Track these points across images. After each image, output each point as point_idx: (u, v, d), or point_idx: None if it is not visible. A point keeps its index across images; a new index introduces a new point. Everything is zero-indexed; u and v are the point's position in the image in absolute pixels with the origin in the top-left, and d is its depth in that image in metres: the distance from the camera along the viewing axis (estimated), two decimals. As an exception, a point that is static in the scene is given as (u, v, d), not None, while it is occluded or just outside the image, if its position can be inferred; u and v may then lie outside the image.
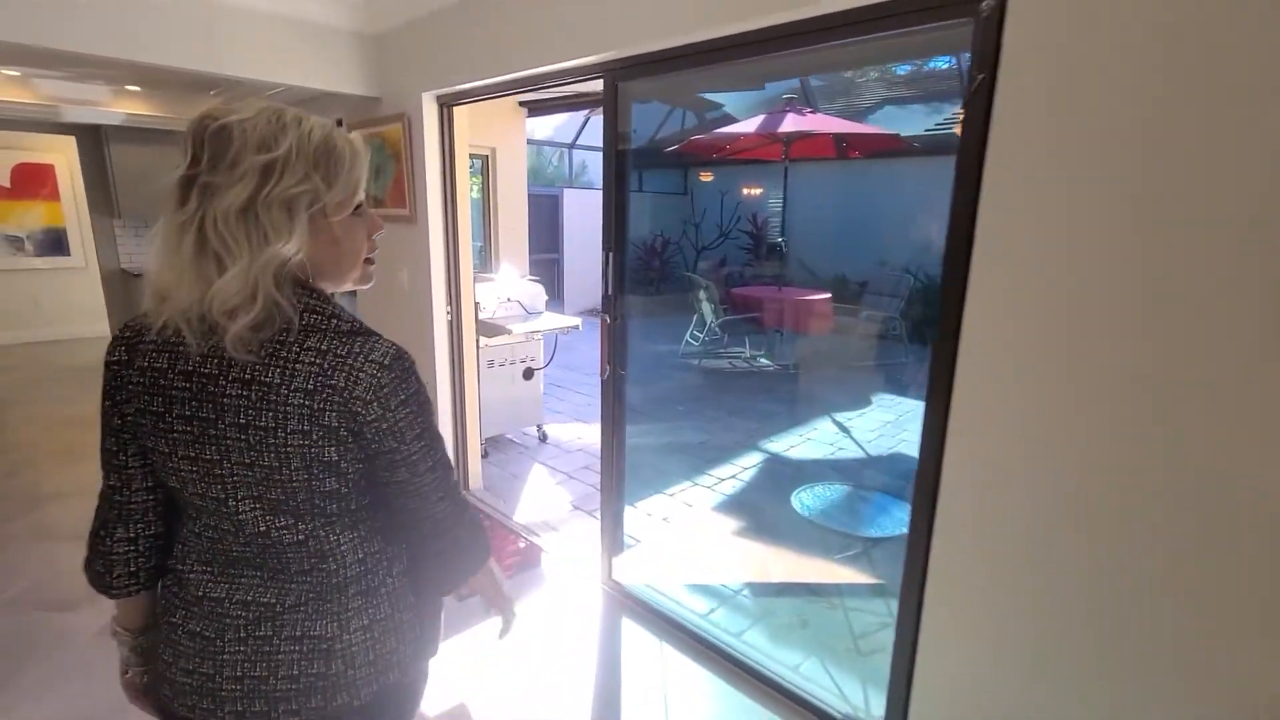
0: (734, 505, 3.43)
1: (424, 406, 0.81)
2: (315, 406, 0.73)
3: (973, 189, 1.35)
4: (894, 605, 1.66)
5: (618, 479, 2.48)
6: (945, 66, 8.17)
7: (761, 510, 3.38)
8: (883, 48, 1.62)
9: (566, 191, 9.37)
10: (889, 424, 4.78)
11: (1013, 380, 1.35)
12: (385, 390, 0.76)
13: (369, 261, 0.88)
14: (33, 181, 6.61)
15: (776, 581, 2.71)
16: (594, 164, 12.20)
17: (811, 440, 4.42)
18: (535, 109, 5.72)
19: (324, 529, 0.79)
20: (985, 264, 1.36)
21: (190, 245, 0.70)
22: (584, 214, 9.57)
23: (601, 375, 2.39)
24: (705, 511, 3.35)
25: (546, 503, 3.42)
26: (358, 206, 0.81)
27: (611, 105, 2.17)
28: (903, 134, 5.96)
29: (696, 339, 7.07)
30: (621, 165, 2.21)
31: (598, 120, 10.17)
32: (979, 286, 1.37)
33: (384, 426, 0.77)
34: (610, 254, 2.27)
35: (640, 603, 2.44)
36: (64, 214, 6.75)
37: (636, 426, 4.37)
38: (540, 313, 4.09)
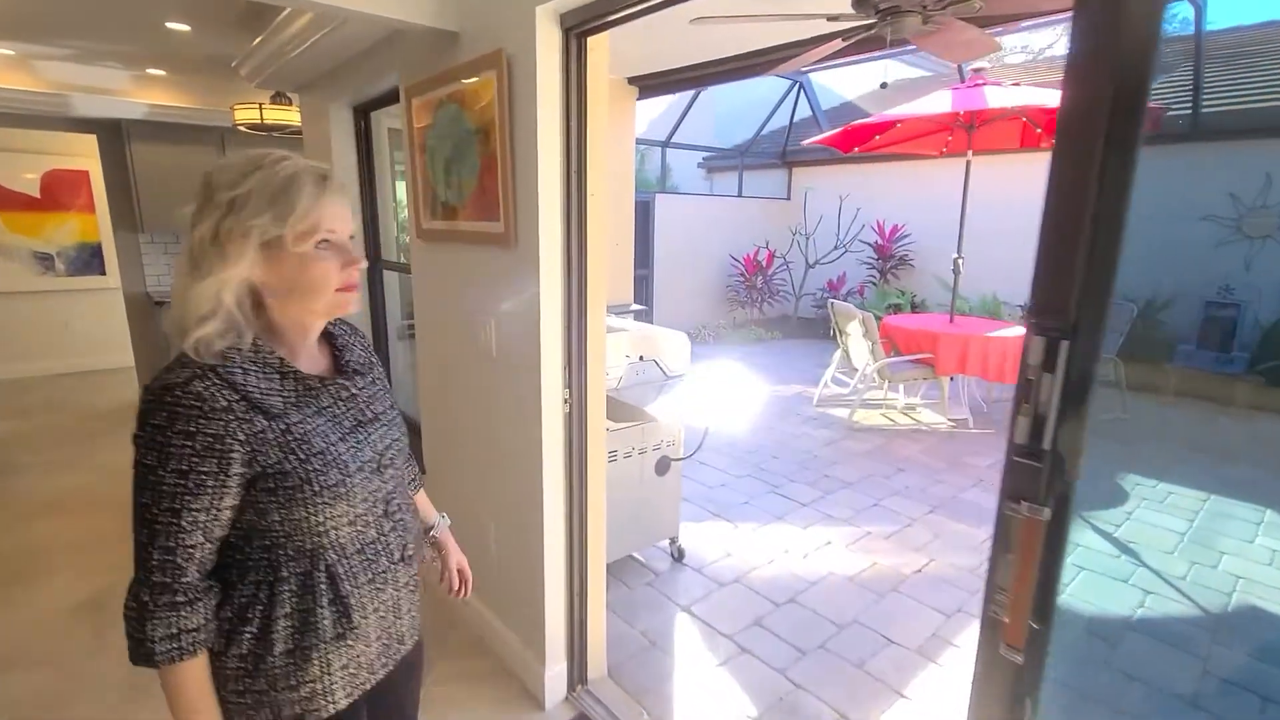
0: None
1: (142, 457, 0.82)
2: None
3: None
4: None
5: None
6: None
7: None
8: None
9: (659, 197, 8.04)
10: (1176, 531, 3.15)
11: None
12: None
13: (346, 290, 0.91)
14: (66, 191, 5.77)
15: None
16: (681, 167, 10.85)
17: (1070, 567, 2.86)
18: (650, 88, 4.39)
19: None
20: None
21: (185, 266, 0.85)
22: (677, 223, 8.21)
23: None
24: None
25: (716, 711, 2.03)
26: (324, 241, 0.87)
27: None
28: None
29: (844, 383, 5.56)
30: (1127, 124, 0.78)
31: (695, 116, 8.83)
32: None
33: None
34: (1070, 338, 0.85)
35: None
36: (99, 227, 5.89)
37: (779, 518, 2.93)
38: (681, 375, 2.71)
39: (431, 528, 1.31)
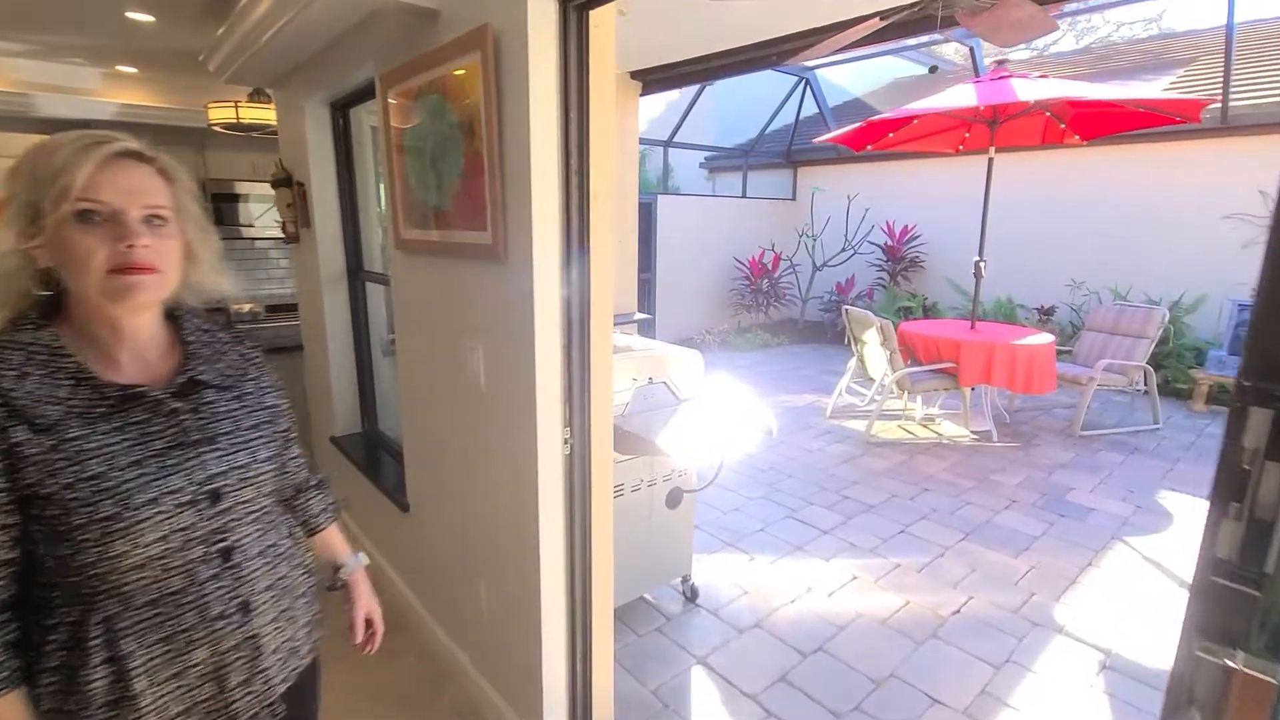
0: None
1: None
2: None
3: None
4: None
5: None
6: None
7: None
8: None
9: (661, 199, 7.76)
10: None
11: None
12: None
13: (118, 273, 0.78)
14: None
15: None
16: (683, 167, 10.59)
17: (1113, 606, 2.59)
18: (655, 82, 4.12)
19: None
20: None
21: None
22: (679, 225, 7.94)
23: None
24: None
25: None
26: (85, 213, 0.77)
27: None
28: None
29: (860, 394, 5.28)
30: None
31: (696, 114, 8.55)
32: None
33: None
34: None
35: None
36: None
37: (799, 548, 2.65)
38: (693, 398, 2.44)
39: (340, 568, 1.13)
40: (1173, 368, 5.67)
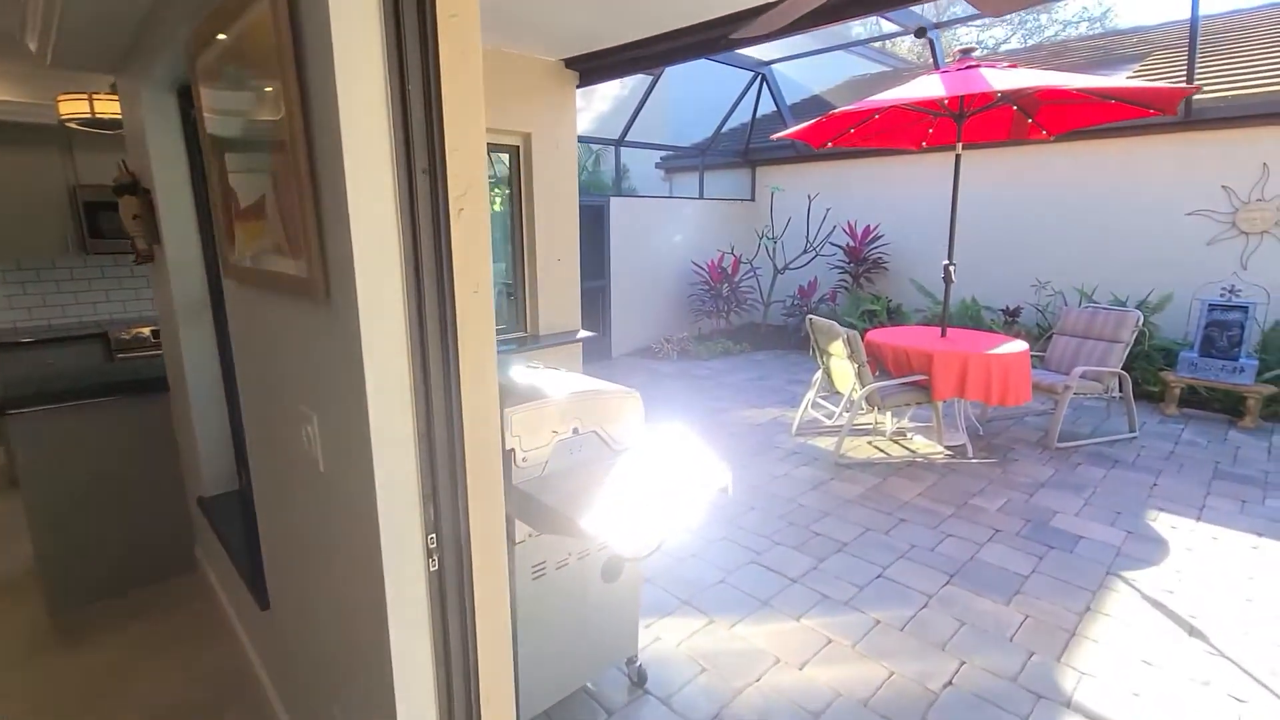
0: None
1: None
2: None
3: None
4: None
5: None
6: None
7: None
8: None
9: (614, 201, 7.32)
10: (1243, 596, 2.58)
11: None
12: None
13: None
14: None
15: None
16: (638, 167, 10.17)
17: (1122, 665, 2.26)
18: (593, 71, 3.67)
19: None
20: None
21: None
22: (634, 228, 7.51)
23: None
24: None
25: None
26: None
27: None
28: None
29: (827, 410, 4.92)
30: None
31: (650, 113, 8.12)
32: None
33: None
34: None
35: None
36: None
37: (765, 603, 2.24)
38: (632, 447, 2.00)
39: None
40: (1142, 369, 5.48)
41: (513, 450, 1.69)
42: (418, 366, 1.03)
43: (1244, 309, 4.96)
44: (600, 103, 10.70)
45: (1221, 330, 5.02)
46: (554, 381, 1.95)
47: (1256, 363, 4.88)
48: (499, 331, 3.81)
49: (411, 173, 0.97)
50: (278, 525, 1.66)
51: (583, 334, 3.97)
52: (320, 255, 1.01)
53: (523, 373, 2.02)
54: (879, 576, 2.87)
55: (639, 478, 1.82)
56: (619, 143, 7.95)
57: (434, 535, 1.10)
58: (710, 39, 2.89)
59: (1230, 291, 5.23)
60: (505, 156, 3.64)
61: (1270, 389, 4.79)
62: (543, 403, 1.75)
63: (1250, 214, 5.51)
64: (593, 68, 3.64)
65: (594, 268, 7.25)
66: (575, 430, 1.84)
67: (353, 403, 1.03)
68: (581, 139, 9.56)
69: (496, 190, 3.98)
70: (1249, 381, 4.83)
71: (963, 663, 2.30)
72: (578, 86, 3.78)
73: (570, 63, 3.62)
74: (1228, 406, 5.10)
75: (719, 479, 1.82)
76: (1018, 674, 2.25)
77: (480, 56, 1.03)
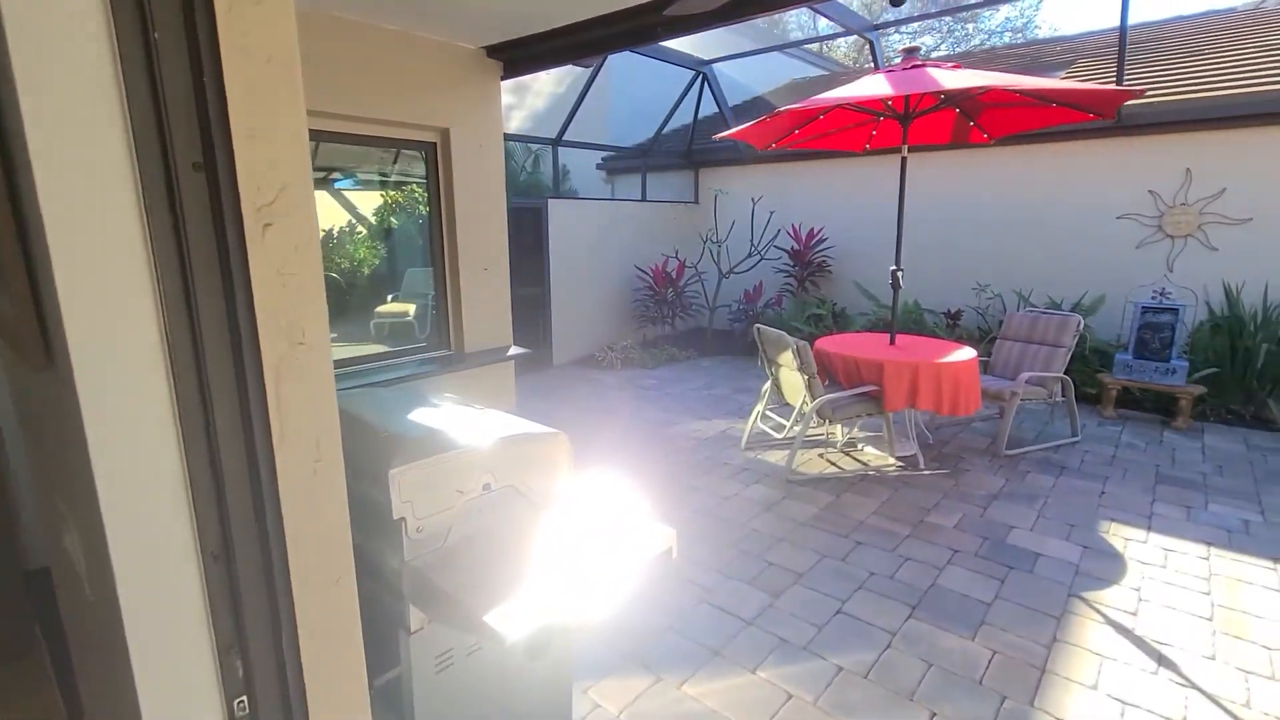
0: None
1: None
2: None
3: None
4: None
5: None
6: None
7: None
8: None
9: (553, 203, 6.96)
10: (1201, 615, 2.49)
11: None
12: None
13: None
14: None
15: None
16: (578, 168, 9.84)
17: (1096, 705, 2.11)
18: (520, 61, 3.32)
19: None
20: None
21: None
22: (575, 232, 7.18)
23: None
24: None
25: None
26: None
27: None
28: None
29: (776, 422, 4.71)
30: None
31: (591, 112, 7.80)
32: None
33: None
34: None
35: None
36: None
37: (717, 652, 1.99)
38: (556, 501, 1.69)
39: None
40: (1080, 371, 5.55)
41: (403, 520, 1.35)
42: (198, 458, 0.69)
43: (1175, 311, 5.05)
44: (535, 99, 10.30)
45: (1154, 332, 5.11)
46: (463, 424, 1.61)
47: (1186, 364, 4.99)
48: (418, 350, 3.41)
49: (172, 170, 0.63)
50: (80, 623, 1.26)
51: (515, 350, 3.62)
52: (29, 296, 0.66)
53: (425, 414, 1.67)
54: (838, 613, 2.65)
55: (565, 545, 1.50)
56: (556, 142, 7.60)
57: (243, 700, 0.76)
58: (645, 26, 2.61)
59: (1161, 294, 5.34)
60: (418, 152, 3.25)
61: (1200, 389, 4.90)
62: (442, 458, 1.41)
63: (1175, 217, 5.67)
64: (518, 57, 3.30)
65: (533, 273, 6.88)
66: (487, 486, 1.51)
67: (91, 510, 0.68)
68: (514, 137, 9.15)
69: (415, 192, 3.59)
70: (1181, 383, 4.92)
71: (934, 714, 2.09)
72: (503, 78, 3.43)
73: (492, 51, 3.27)
74: (1160, 407, 5.19)
75: (660, 541, 1.53)
76: (992, 724, 2.06)
77: (291, 14, 0.69)
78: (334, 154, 3.75)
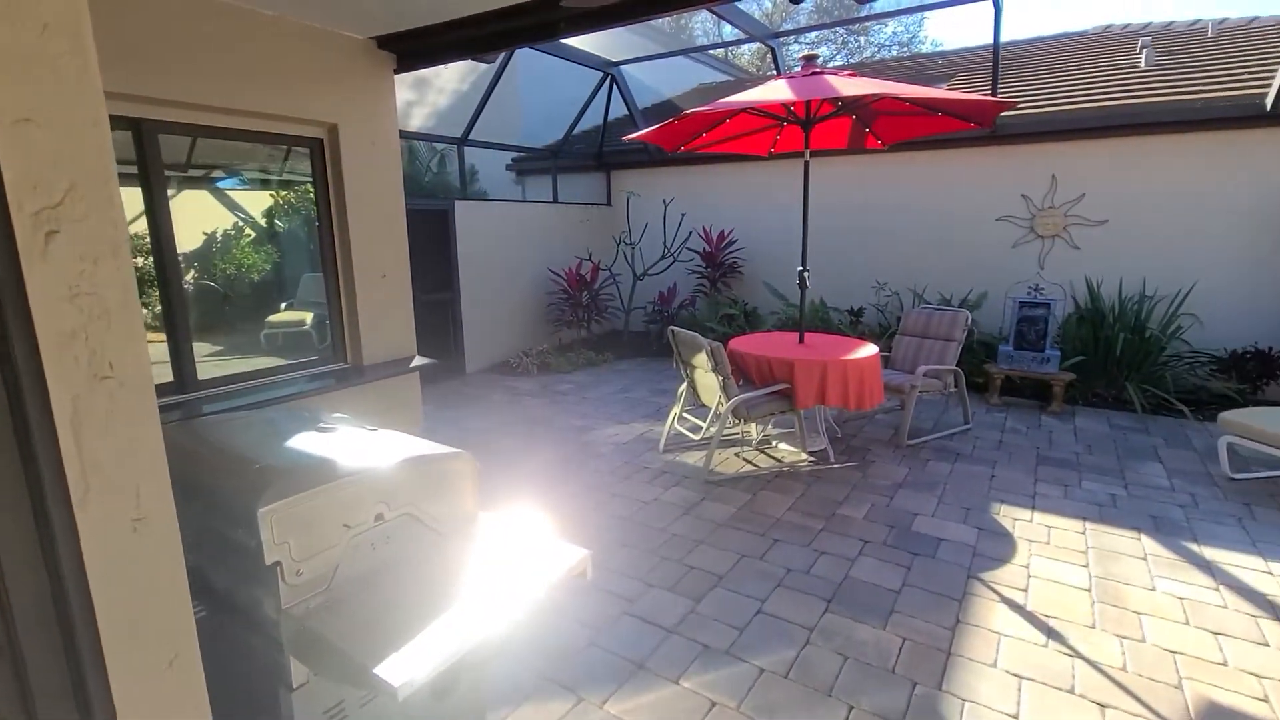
0: None
1: None
2: None
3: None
4: None
5: None
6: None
7: None
8: None
9: (459, 205, 6.69)
10: (1080, 587, 2.71)
11: None
12: None
13: None
14: None
15: None
16: (487, 169, 9.55)
17: (999, 688, 2.24)
18: (415, 54, 3.13)
19: None
20: None
21: None
22: (484, 234, 6.94)
23: None
24: None
25: None
26: None
27: None
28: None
29: (693, 424, 4.73)
30: None
31: (499, 111, 7.57)
32: None
33: None
34: None
35: None
36: None
37: (640, 665, 1.96)
38: (457, 533, 1.56)
39: None
40: (969, 362, 5.95)
41: (278, 563, 1.19)
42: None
43: (1047, 305, 5.53)
44: (438, 96, 9.91)
45: (1030, 325, 5.56)
46: (351, 448, 1.46)
47: (1059, 353, 5.46)
48: (310, 364, 3.15)
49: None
50: None
51: (420, 360, 3.41)
52: None
53: (306, 440, 1.50)
54: (759, 613, 2.67)
55: (469, 577, 1.39)
56: (462, 142, 7.32)
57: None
58: (546, 21, 2.52)
59: (1036, 290, 5.83)
60: (306, 151, 3.00)
61: (1070, 376, 5.37)
62: (324, 489, 1.26)
63: (1044, 219, 6.21)
64: (413, 50, 3.11)
65: (441, 278, 6.58)
66: (379, 517, 1.37)
67: None
68: (414, 135, 8.76)
69: (309, 192, 3.30)
70: (1054, 370, 5.39)
71: (851, 708, 2.13)
72: (397, 71, 3.23)
73: (384, 42, 3.06)
74: (1037, 393, 5.66)
75: (575, 564, 1.45)
76: (905, 711, 2.12)
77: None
78: (216, 150, 3.39)
